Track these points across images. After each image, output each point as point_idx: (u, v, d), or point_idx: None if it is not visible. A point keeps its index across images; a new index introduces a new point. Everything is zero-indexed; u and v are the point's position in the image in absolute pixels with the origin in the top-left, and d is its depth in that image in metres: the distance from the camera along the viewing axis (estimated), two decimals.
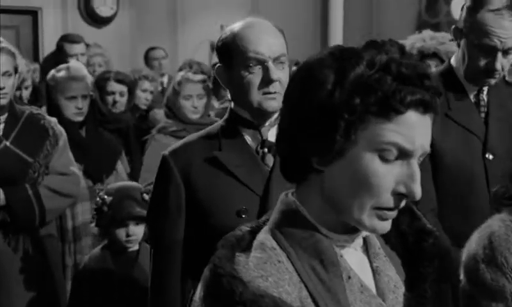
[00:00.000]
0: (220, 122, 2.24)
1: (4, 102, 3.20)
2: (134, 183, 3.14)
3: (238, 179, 2.12)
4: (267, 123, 2.16)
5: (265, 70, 2.09)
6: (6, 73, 3.19)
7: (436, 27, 8.76)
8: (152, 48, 7.27)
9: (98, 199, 2.94)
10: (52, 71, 3.98)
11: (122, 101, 4.74)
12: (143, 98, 5.44)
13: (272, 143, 2.16)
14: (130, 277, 2.91)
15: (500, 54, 2.66)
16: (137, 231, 2.95)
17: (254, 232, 1.35)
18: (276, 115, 2.16)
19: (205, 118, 4.22)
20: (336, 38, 6.99)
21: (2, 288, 3.10)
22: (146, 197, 2.97)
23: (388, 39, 4.30)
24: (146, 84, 5.46)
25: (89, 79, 4.01)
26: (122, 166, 4.11)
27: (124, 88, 4.75)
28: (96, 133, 3.97)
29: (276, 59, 2.10)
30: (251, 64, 2.09)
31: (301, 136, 1.24)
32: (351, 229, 1.27)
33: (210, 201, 2.12)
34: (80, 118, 3.85)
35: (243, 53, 2.09)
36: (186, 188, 2.15)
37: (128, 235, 2.93)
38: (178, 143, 2.25)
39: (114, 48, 7.06)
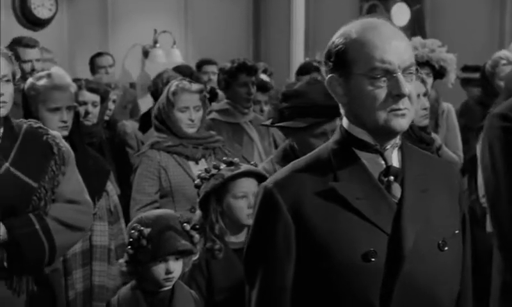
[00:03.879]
0: (329, 144, 1.88)
1: (3, 112, 2.70)
2: (170, 212, 2.72)
3: (361, 215, 1.77)
4: (388, 146, 1.82)
5: (394, 83, 1.75)
6: (4, 78, 2.68)
7: None
8: (98, 54, 6.76)
9: (133, 231, 2.50)
10: (31, 79, 3.48)
11: (95, 112, 4.25)
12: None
13: (398, 170, 1.82)
14: None
15: None
16: (177, 267, 2.55)
17: None
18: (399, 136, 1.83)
19: (201, 131, 3.82)
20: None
21: None
22: (188, 227, 2.57)
23: None
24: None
25: (74, 88, 3.53)
26: (112, 186, 3.65)
27: (97, 98, 4.27)
28: (83, 151, 3.46)
29: (405, 70, 1.77)
30: (376, 76, 1.75)
31: None
32: None
33: (328, 242, 1.76)
34: (65, 132, 3.34)
35: (366, 62, 1.75)
36: (296, 226, 1.78)
37: (168, 272, 2.51)
38: (281, 173, 1.87)
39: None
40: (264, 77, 5.66)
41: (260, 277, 1.84)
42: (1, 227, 2.64)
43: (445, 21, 8.03)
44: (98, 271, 3.47)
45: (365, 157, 1.82)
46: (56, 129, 3.23)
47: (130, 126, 4.84)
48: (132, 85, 8.08)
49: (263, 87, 5.30)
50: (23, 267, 2.67)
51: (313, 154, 1.89)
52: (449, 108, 5.02)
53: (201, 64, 6.61)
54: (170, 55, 8.22)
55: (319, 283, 1.78)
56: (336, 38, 1.82)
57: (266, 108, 5.42)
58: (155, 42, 8.33)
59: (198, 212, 3.02)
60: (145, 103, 7.62)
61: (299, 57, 6.72)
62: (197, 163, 3.74)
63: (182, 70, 5.42)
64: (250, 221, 2.90)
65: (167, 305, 2.56)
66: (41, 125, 2.90)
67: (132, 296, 2.56)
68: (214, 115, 4.65)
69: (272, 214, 1.80)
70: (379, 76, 1.74)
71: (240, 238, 2.96)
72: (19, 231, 2.64)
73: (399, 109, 1.76)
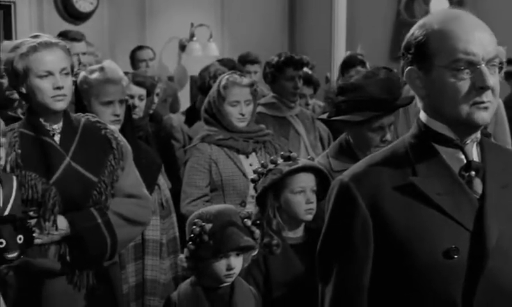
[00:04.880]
0: (406, 139, 1.83)
1: (63, 105, 2.68)
2: (231, 207, 2.68)
3: (442, 211, 1.71)
4: (469, 140, 1.77)
5: (478, 75, 1.69)
6: (63, 71, 2.67)
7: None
8: (139, 48, 6.74)
9: (194, 226, 2.47)
10: (84, 73, 3.46)
11: (141, 106, 4.22)
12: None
13: (480, 165, 1.77)
14: None
15: None
16: (238, 263, 2.51)
17: None
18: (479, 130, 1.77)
19: (251, 125, 3.78)
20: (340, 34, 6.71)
21: None
22: (249, 223, 2.53)
23: None
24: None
25: (126, 82, 3.51)
26: (164, 180, 3.63)
27: (143, 91, 4.24)
28: (135, 144, 3.43)
29: (489, 61, 1.71)
30: (459, 68, 1.69)
31: None
32: None
33: (408, 239, 1.72)
34: (117, 126, 3.31)
35: (449, 53, 1.69)
36: (374, 222, 1.74)
37: (229, 268, 2.47)
38: (358, 167, 1.82)
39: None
40: (306, 70, 5.59)
41: (335, 274, 1.79)
42: (64, 221, 2.63)
43: (485, 14, 7.90)
44: (151, 265, 3.46)
45: (444, 151, 1.76)
46: (109, 123, 3.20)
47: (176, 119, 4.81)
48: (170, 78, 8.07)
49: (308, 80, 5.25)
50: (85, 261, 2.66)
51: (390, 148, 1.85)
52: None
53: (243, 62, 6.55)
54: (207, 49, 8.20)
55: (398, 280, 1.74)
56: (416, 30, 1.76)
57: (311, 101, 5.38)
58: (192, 36, 8.30)
59: (254, 207, 3.00)
60: (182, 96, 7.64)
61: (341, 51, 6.66)
62: (247, 157, 3.71)
63: (225, 63, 5.39)
64: (308, 216, 2.88)
65: (227, 301, 2.53)
66: (99, 120, 2.89)
67: (193, 292, 2.53)
68: (260, 109, 4.60)
69: (349, 209, 1.75)
70: (462, 68, 1.69)
71: (298, 233, 2.92)
72: (81, 225, 2.63)
73: (482, 102, 1.70)
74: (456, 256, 1.69)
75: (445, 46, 1.70)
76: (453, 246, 1.69)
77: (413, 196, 1.72)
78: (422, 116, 1.80)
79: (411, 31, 1.78)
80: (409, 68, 1.78)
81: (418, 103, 1.82)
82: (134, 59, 6.64)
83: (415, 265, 1.71)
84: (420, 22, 1.78)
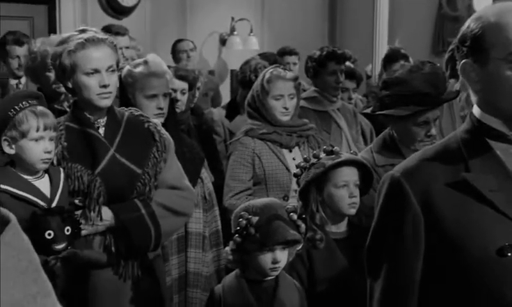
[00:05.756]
0: (458, 134, 1.81)
1: (108, 102, 2.71)
2: (277, 200, 2.69)
3: (495, 207, 1.69)
4: None
5: None
6: (109, 68, 2.69)
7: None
8: (180, 40, 6.78)
9: (241, 219, 2.47)
10: (128, 67, 3.48)
11: (183, 100, 4.23)
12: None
13: None
14: None
15: None
16: (284, 257, 2.51)
17: None
18: None
19: (295, 119, 3.77)
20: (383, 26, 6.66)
21: None
22: (295, 217, 2.53)
23: None
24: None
25: (170, 75, 3.52)
26: (207, 174, 3.65)
27: (185, 85, 4.25)
28: (178, 138, 3.45)
29: None
30: None
31: None
32: None
33: (460, 235, 1.70)
34: (161, 119, 3.33)
35: (506, 46, 1.67)
36: (426, 217, 1.72)
37: (274, 262, 2.48)
38: (409, 161, 1.81)
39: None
40: (348, 64, 5.56)
41: (385, 270, 1.78)
42: (108, 212, 2.66)
43: None
44: (193, 258, 3.48)
45: (498, 147, 1.74)
46: (153, 116, 3.21)
47: (217, 113, 4.82)
48: (211, 72, 8.10)
49: (351, 74, 5.23)
50: (130, 252, 2.68)
51: (442, 143, 1.83)
52: None
53: (281, 54, 6.55)
54: (247, 43, 8.20)
55: (450, 276, 1.72)
56: (472, 22, 1.74)
57: (354, 95, 5.35)
58: (233, 30, 8.31)
59: (296, 202, 2.99)
60: (222, 90, 7.66)
61: (382, 44, 6.61)
62: (290, 151, 3.70)
63: (266, 57, 5.39)
64: (351, 211, 2.87)
65: (271, 294, 2.53)
66: (142, 113, 2.91)
67: (237, 284, 2.54)
68: (301, 103, 4.59)
69: (400, 204, 1.74)
70: None
71: (341, 228, 2.92)
72: (126, 216, 2.65)
73: None
74: (509, 254, 1.66)
75: (502, 38, 1.67)
76: (506, 243, 1.66)
77: (465, 192, 1.70)
78: (476, 110, 1.78)
79: (467, 24, 1.76)
80: (464, 61, 1.75)
81: (472, 97, 1.80)
82: (175, 51, 6.67)
83: (467, 262, 1.69)
84: (476, 14, 1.76)
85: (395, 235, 1.76)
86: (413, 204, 1.72)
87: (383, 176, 1.84)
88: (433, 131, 3.03)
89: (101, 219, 2.65)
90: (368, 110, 3.28)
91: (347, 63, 5.33)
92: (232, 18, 8.40)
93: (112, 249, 2.67)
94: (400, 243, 1.75)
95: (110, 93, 2.69)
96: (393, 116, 3.03)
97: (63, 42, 2.71)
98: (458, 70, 1.78)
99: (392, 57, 5.35)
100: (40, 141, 2.52)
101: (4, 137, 2.51)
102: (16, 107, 2.50)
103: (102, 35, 2.73)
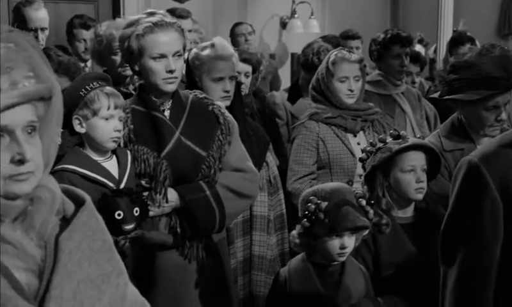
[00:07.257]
0: None
1: (173, 87, 2.72)
2: (345, 185, 2.66)
3: None
4: None
5: None
6: (176, 53, 2.71)
7: None
8: (238, 24, 6.78)
9: (310, 204, 2.47)
10: (195, 50, 3.50)
11: (247, 83, 4.23)
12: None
13: None
14: (334, 301, 2.48)
15: None
16: (351, 242, 2.49)
17: None
18: None
19: (360, 102, 3.74)
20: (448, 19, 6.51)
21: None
22: (363, 202, 2.51)
23: None
24: None
25: (236, 58, 3.52)
26: (272, 158, 3.65)
27: (249, 68, 4.24)
28: (244, 121, 3.46)
29: None
30: None
31: None
32: None
33: None
34: (227, 102, 3.34)
35: None
36: (505, 203, 1.69)
37: (342, 247, 2.47)
38: (487, 147, 1.77)
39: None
40: (419, 47, 5.47)
41: (462, 255, 1.76)
42: (174, 193, 2.69)
43: None
44: (258, 241, 3.49)
45: None
46: (219, 99, 3.23)
47: (279, 96, 4.81)
48: (271, 56, 8.07)
49: (415, 58, 5.15)
50: (195, 233, 2.71)
51: None
52: None
53: (344, 38, 6.48)
54: (308, 26, 8.14)
55: None
56: None
57: (418, 79, 5.26)
58: (293, 13, 8.27)
59: (361, 186, 2.97)
60: (282, 74, 7.63)
61: (448, 27, 6.48)
62: (355, 135, 3.67)
63: (329, 40, 5.34)
64: (418, 196, 2.83)
65: (337, 279, 2.52)
66: (206, 96, 2.92)
67: (303, 268, 2.53)
68: (365, 87, 4.55)
69: (478, 190, 1.71)
70: None
71: (408, 213, 2.88)
72: (190, 197, 2.68)
73: None
74: None
75: None
76: None
77: None
78: None
79: None
80: None
81: None
82: (234, 35, 6.67)
83: None
84: None
85: (474, 221, 1.73)
86: (492, 190, 1.69)
87: (459, 162, 1.81)
88: (503, 115, 2.97)
89: (167, 201, 2.68)
90: (436, 95, 3.22)
91: (419, 46, 5.24)
92: (293, 1, 8.34)
93: (178, 230, 2.69)
94: (478, 229, 1.72)
95: (176, 78, 2.70)
96: (462, 101, 2.97)
97: (131, 25, 2.73)
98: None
99: (458, 40, 5.25)
100: (110, 120, 2.57)
101: (75, 116, 2.56)
102: (87, 87, 2.55)
103: (170, 19, 2.73)
